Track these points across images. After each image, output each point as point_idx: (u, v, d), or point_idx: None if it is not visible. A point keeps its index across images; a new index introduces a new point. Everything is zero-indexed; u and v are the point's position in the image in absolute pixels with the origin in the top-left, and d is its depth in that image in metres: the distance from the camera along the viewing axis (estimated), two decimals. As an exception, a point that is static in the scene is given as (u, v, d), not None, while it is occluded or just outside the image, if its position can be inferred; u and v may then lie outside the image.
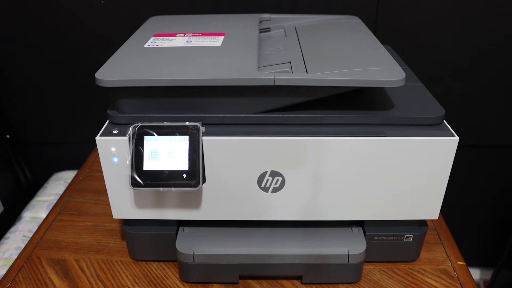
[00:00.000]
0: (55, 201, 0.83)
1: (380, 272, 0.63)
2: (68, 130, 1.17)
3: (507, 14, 0.95)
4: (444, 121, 0.55)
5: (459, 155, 0.52)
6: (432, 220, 0.73)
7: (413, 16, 0.97)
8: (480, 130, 1.10)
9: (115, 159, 0.53)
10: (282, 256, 0.59)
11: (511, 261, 1.14)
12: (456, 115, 1.03)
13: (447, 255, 0.66)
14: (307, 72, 0.54)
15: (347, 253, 0.58)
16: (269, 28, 0.76)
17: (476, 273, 1.33)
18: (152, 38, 0.64)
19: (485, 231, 1.28)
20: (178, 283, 0.62)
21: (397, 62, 0.55)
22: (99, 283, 0.62)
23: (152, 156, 0.52)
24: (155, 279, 0.63)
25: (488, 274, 1.31)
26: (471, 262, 1.30)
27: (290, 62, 0.58)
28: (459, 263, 0.65)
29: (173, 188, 0.52)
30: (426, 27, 0.98)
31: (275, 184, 0.55)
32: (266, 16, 0.78)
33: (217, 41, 0.62)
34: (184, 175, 0.52)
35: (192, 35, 0.65)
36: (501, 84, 1.04)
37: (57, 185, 1.12)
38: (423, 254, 0.66)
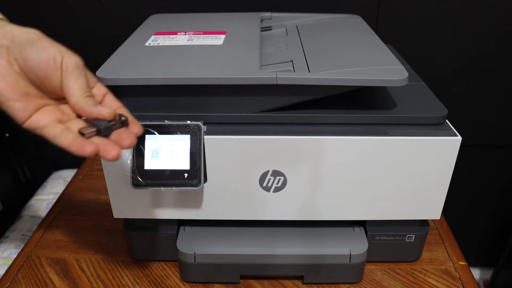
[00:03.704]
0: (54, 200, 0.82)
1: (382, 272, 0.63)
2: (68, 129, 1.17)
3: (507, 14, 0.95)
4: (447, 120, 0.55)
5: (459, 155, 0.52)
6: (433, 220, 0.72)
7: (414, 16, 0.97)
8: (481, 130, 1.10)
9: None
10: (283, 256, 0.59)
11: (511, 261, 1.15)
12: (456, 115, 1.03)
13: (449, 255, 0.66)
14: (309, 71, 0.53)
15: (348, 253, 0.58)
16: (270, 26, 0.75)
17: (476, 273, 1.33)
18: (153, 37, 0.64)
19: (485, 231, 1.28)
20: (179, 283, 0.62)
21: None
22: (99, 282, 0.62)
23: (153, 155, 0.52)
24: (155, 278, 0.62)
25: (488, 274, 1.31)
26: (471, 262, 1.30)
27: (292, 61, 0.57)
28: (460, 263, 0.65)
29: (174, 188, 0.52)
30: (426, 26, 0.98)
31: (277, 183, 0.55)
32: (267, 14, 0.78)
33: (218, 40, 0.62)
34: (186, 175, 0.52)
35: (193, 34, 0.65)
36: (501, 84, 1.04)
37: (57, 184, 1.12)
38: (425, 254, 0.66)
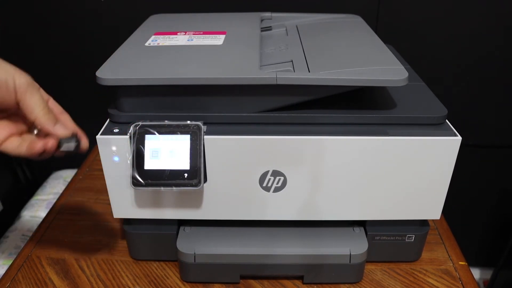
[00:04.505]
0: (54, 200, 0.82)
1: (382, 272, 0.63)
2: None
3: (507, 14, 0.95)
4: (447, 120, 0.55)
5: (459, 155, 0.52)
6: (433, 220, 0.72)
7: (414, 16, 0.97)
8: (480, 130, 1.10)
9: (116, 158, 0.53)
10: (283, 256, 0.59)
11: (511, 261, 1.15)
12: (456, 115, 1.03)
13: (449, 255, 0.66)
14: (309, 71, 0.53)
15: (348, 253, 0.58)
16: (270, 26, 0.75)
17: (476, 273, 1.33)
18: (153, 37, 0.64)
19: (485, 231, 1.28)
20: (179, 282, 0.62)
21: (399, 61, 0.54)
22: (99, 282, 0.62)
23: (153, 155, 0.52)
24: (155, 278, 0.62)
25: (488, 274, 1.31)
26: (471, 262, 1.30)
27: (292, 61, 0.57)
28: (460, 263, 0.65)
29: (174, 188, 0.52)
30: (426, 26, 0.98)
31: (277, 183, 0.55)
32: (267, 14, 0.78)
33: (218, 40, 0.62)
34: (186, 175, 0.52)
35: (193, 34, 0.65)
36: (501, 84, 1.04)
37: (57, 184, 1.12)
38: (425, 254, 0.66)
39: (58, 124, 0.47)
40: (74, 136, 0.47)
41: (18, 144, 0.46)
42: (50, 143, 0.46)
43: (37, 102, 0.45)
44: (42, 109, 0.45)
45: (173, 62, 0.54)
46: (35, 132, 0.49)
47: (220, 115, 0.53)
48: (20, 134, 0.47)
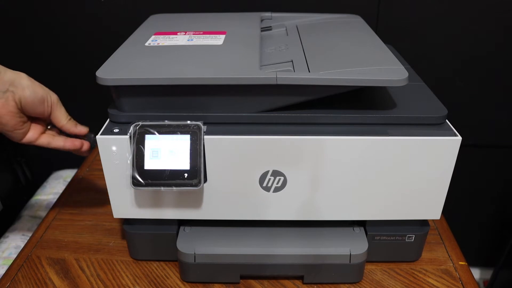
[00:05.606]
0: (54, 200, 0.82)
1: (382, 272, 0.63)
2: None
3: (507, 14, 0.95)
4: (447, 120, 0.55)
5: (459, 155, 0.52)
6: (433, 220, 0.72)
7: (414, 16, 0.97)
8: (480, 130, 1.10)
9: (116, 161, 0.53)
10: (283, 256, 0.59)
11: (511, 261, 1.15)
12: (456, 114, 1.03)
13: (449, 255, 0.66)
14: (309, 71, 0.53)
15: (349, 253, 0.58)
16: (270, 26, 0.75)
17: (476, 273, 1.33)
18: (153, 37, 0.64)
19: (485, 231, 1.28)
20: (179, 283, 0.62)
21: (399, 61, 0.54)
22: (99, 282, 0.62)
23: (153, 155, 0.52)
24: (155, 278, 0.62)
25: (488, 274, 1.31)
26: (471, 262, 1.30)
27: (292, 61, 0.57)
28: (460, 263, 0.65)
29: (174, 188, 0.52)
30: (426, 26, 0.98)
31: (277, 183, 0.55)
32: (267, 14, 0.78)
33: (218, 40, 0.62)
34: (186, 175, 0.52)
35: (193, 34, 0.65)
36: (501, 84, 1.04)
37: (57, 183, 1.12)
38: (425, 254, 0.66)
39: (78, 126, 0.61)
40: (92, 133, 0.62)
41: (50, 139, 0.59)
42: (86, 144, 0.61)
43: (64, 113, 0.59)
44: (67, 118, 0.60)
45: (173, 62, 0.54)
46: (49, 127, 0.61)
47: (220, 115, 0.53)
48: (43, 132, 0.60)
